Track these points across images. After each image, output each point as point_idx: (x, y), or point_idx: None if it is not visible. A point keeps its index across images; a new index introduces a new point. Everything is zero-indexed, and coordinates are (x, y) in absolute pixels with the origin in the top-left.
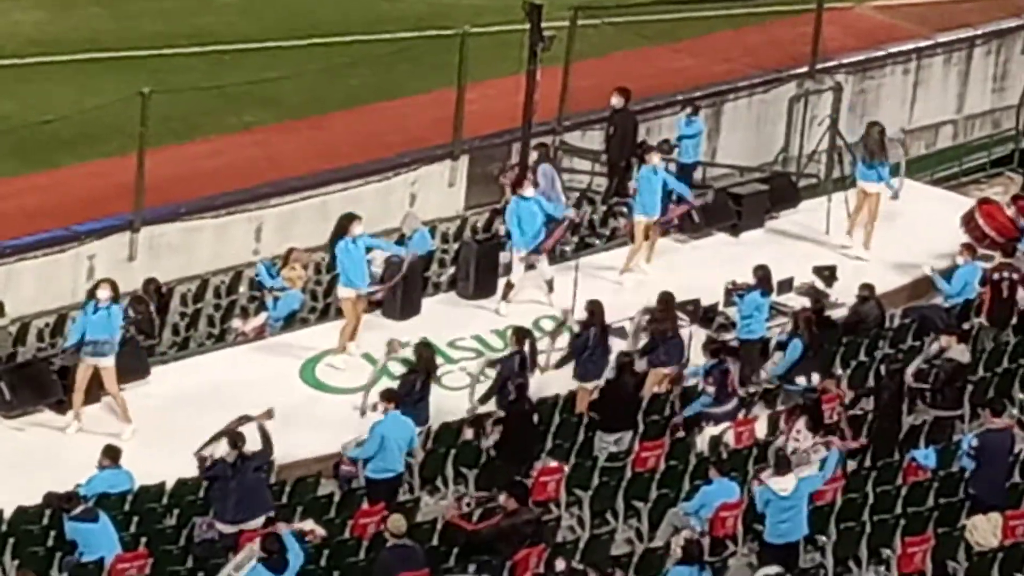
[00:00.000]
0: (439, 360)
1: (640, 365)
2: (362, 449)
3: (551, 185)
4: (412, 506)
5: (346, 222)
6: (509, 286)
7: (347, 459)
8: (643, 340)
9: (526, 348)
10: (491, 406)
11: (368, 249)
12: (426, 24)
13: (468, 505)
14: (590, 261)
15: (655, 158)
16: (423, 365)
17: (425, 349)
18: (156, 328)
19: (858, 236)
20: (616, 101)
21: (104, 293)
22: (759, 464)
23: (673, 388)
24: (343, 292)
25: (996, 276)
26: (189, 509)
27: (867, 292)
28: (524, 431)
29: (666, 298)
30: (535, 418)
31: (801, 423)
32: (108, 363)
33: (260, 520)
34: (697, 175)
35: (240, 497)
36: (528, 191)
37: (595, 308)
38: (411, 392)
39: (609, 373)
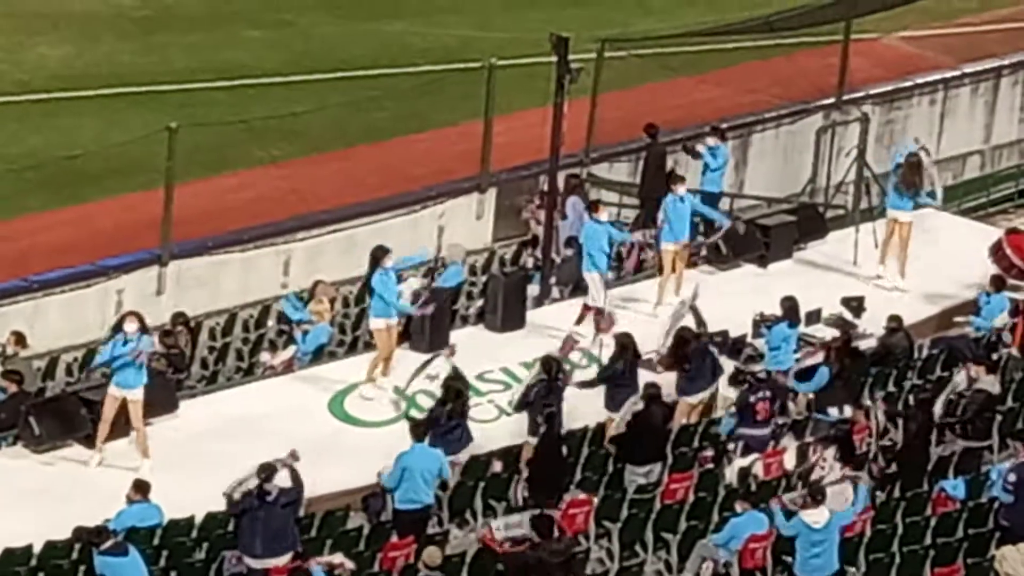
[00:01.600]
0: (468, 393)
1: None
2: (388, 477)
3: (579, 217)
4: (441, 539)
5: (380, 254)
6: (598, 312)
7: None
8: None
9: (553, 375)
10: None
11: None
12: (453, 57)
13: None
14: (618, 292)
15: (680, 188)
16: (452, 396)
17: (455, 381)
18: (187, 362)
19: (892, 266)
20: (645, 138)
21: (131, 326)
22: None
23: (701, 419)
24: (375, 324)
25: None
26: (218, 543)
27: (895, 323)
28: (553, 462)
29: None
30: (564, 450)
31: (829, 453)
32: (137, 395)
33: (287, 557)
34: (724, 205)
35: (267, 532)
36: (603, 215)
37: (627, 341)
38: (436, 424)
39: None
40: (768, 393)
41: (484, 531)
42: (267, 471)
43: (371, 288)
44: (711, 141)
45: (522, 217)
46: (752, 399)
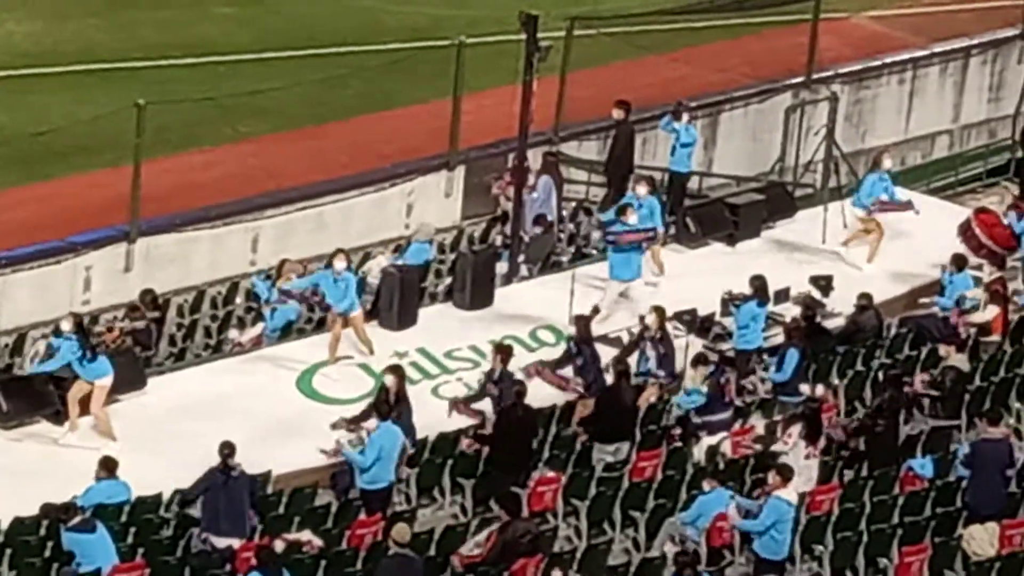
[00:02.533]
0: (435, 371)
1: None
2: (362, 458)
3: (548, 195)
4: (409, 516)
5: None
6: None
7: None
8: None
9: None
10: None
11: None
12: (422, 35)
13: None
14: (586, 272)
15: (641, 188)
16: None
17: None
18: (153, 339)
19: (860, 249)
20: (617, 114)
21: (67, 325)
22: (755, 474)
23: (666, 396)
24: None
25: (1000, 288)
26: (186, 520)
27: (866, 301)
28: (517, 440)
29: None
30: (532, 428)
31: (795, 431)
32: (106, 382)
33: (241, 541)
34: (693, 185)
35: (230, 510)
36: (631, 218)
37: (581, 323)
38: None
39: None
40: (732, 375)
41: (456, 559)
42: (228, 448)
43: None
44: (680, 122)
45: (492, 193)
46: (722, 380)
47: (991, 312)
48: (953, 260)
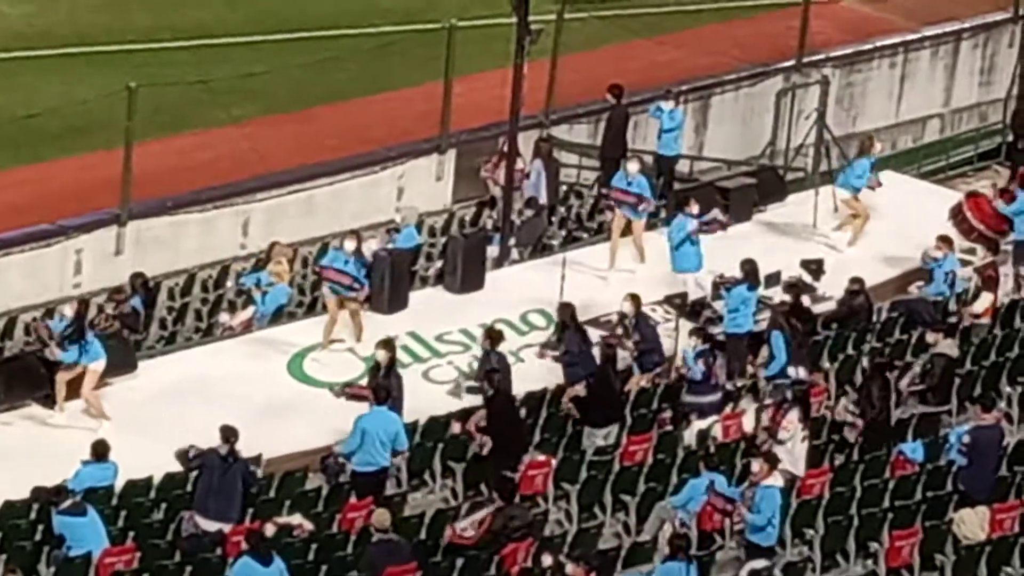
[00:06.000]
0: (426, 354)
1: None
2: (345, 444)
3: (538, 179)
4: (400, 500)
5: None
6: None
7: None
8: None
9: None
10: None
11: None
12: (413, 18)
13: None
14: (577, 255)
15: (632, 165)
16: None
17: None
18: (140, 322)
19: (844, 233)
20: (610, 98)
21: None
22: (745, 459)
23: (658, 382)
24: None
25: (993, 273)
26: (177, 503)
27: (857, 286)
28: (510, 425)
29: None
30: (520, 412)
31: (793, 415)
32: (99, 366)
33: (228, 526)
34: (684, 168)
35: (222, 494)
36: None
37: (566, 310)
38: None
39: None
40: (719, 359)
41: (449, 532)
42: (229, 432)
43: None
44: (667, 104)
45: (480, 176)
46: (709, 361)
47: (987, 299)
48: (940, 241)
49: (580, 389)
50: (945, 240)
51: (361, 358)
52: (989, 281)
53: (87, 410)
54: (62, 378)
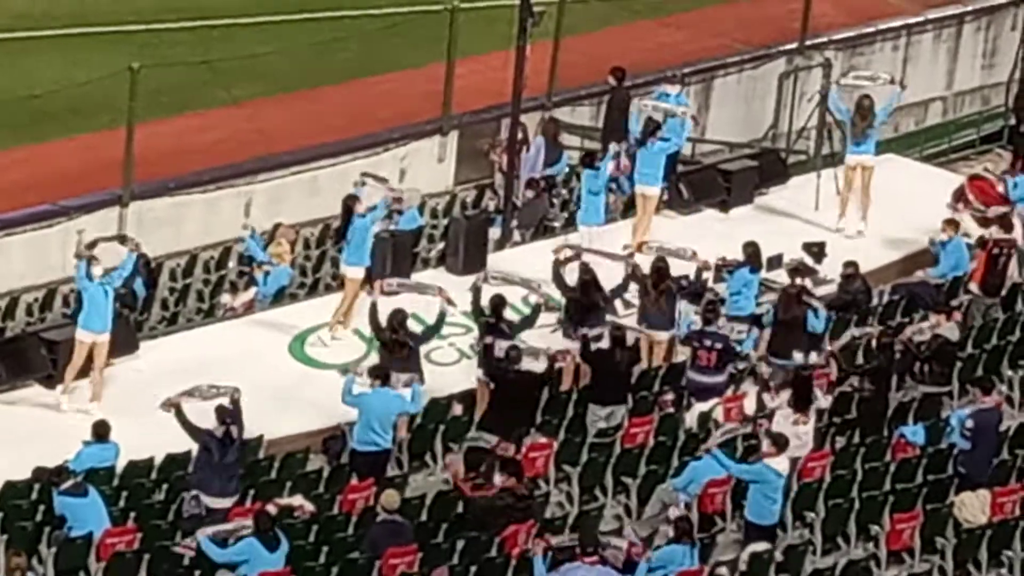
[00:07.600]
0: None
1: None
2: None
3: (536, 155)
4: (400, 481)
5: (351, 202)
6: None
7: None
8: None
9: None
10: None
11: None
12: None
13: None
14: (579, 237)
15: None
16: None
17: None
18: (138, 302)
19: (852, 212)
20: (611, 81)
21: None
22: (747, 442)
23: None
24: (353, 272)
25: (996, 250)
26: (178, 484)
27: (852, 269)
28: (513, 398)
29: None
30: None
31: (783, 397)
32: (105, 338)
33: (231, 500)
34: (686, 151)
35: (221, 472)
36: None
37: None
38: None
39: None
40: (718, 344)
41: (449, 461)
42: (225, 412)
43: (347, 236)
44: (672, 89)
45: (490, 159)
46: (697, 345)
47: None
48: (945, 225)
49: (575, 349)
50: (951, 223)
51: (363, 339)
52: (982, 242)
53: (93, 384)
54: (78, 358)
